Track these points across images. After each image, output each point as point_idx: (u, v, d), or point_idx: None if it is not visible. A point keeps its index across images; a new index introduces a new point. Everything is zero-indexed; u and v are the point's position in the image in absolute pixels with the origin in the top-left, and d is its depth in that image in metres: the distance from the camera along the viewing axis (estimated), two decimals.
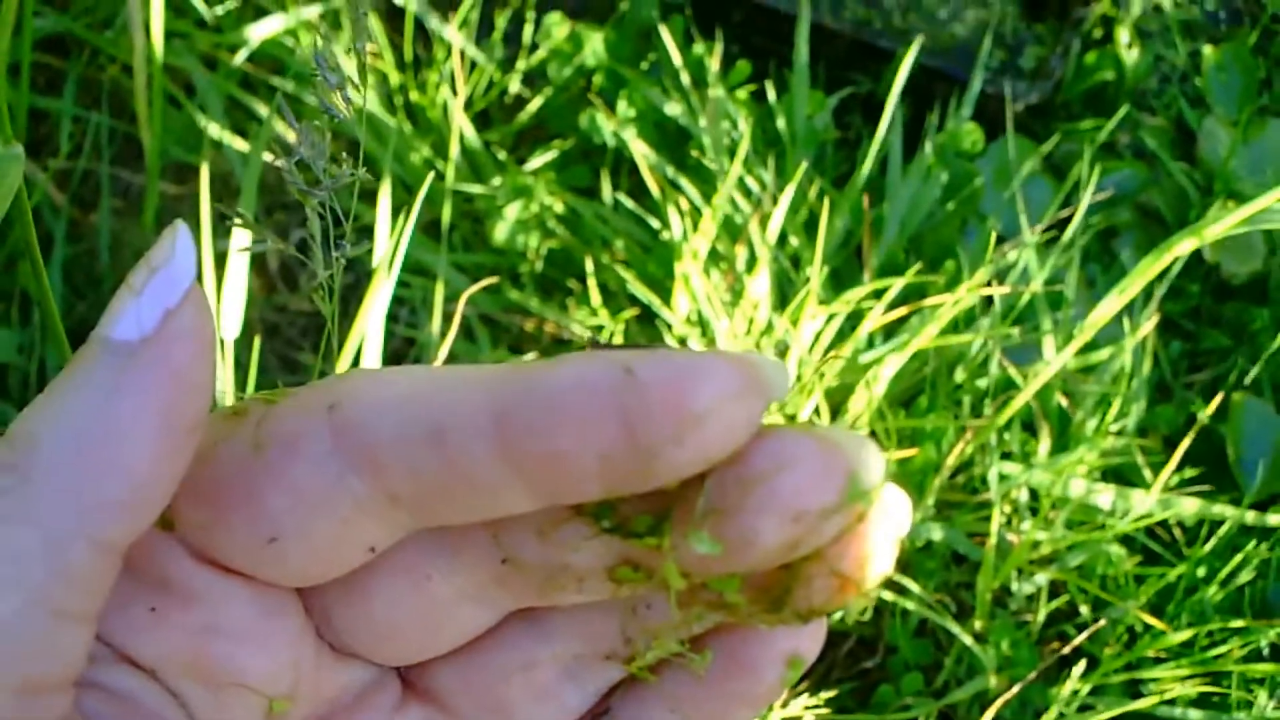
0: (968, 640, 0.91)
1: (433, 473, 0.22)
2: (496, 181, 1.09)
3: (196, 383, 0.22)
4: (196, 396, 0.22)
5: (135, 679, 0.24)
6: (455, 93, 1.11)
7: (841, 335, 0.97)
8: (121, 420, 0.21)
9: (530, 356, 1.05)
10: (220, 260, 0.92)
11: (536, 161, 1.12)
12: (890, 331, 1.01)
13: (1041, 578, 0.95)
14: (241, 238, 0.91)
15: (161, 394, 0.21)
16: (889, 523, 0.23)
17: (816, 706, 0.86)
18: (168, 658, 0.24)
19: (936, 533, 0.94)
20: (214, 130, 1.06)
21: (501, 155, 1.13)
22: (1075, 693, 0.90)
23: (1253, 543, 0.96)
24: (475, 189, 1.09)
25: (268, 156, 1.05)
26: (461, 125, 1.10)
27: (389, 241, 0.79)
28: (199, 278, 0.22)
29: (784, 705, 0.84)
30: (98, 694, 0.24)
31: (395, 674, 0.27)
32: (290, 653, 0.25)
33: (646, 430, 0.20)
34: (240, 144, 1.07)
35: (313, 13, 1.11)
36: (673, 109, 1.10)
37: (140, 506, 0.21)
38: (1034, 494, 0.99)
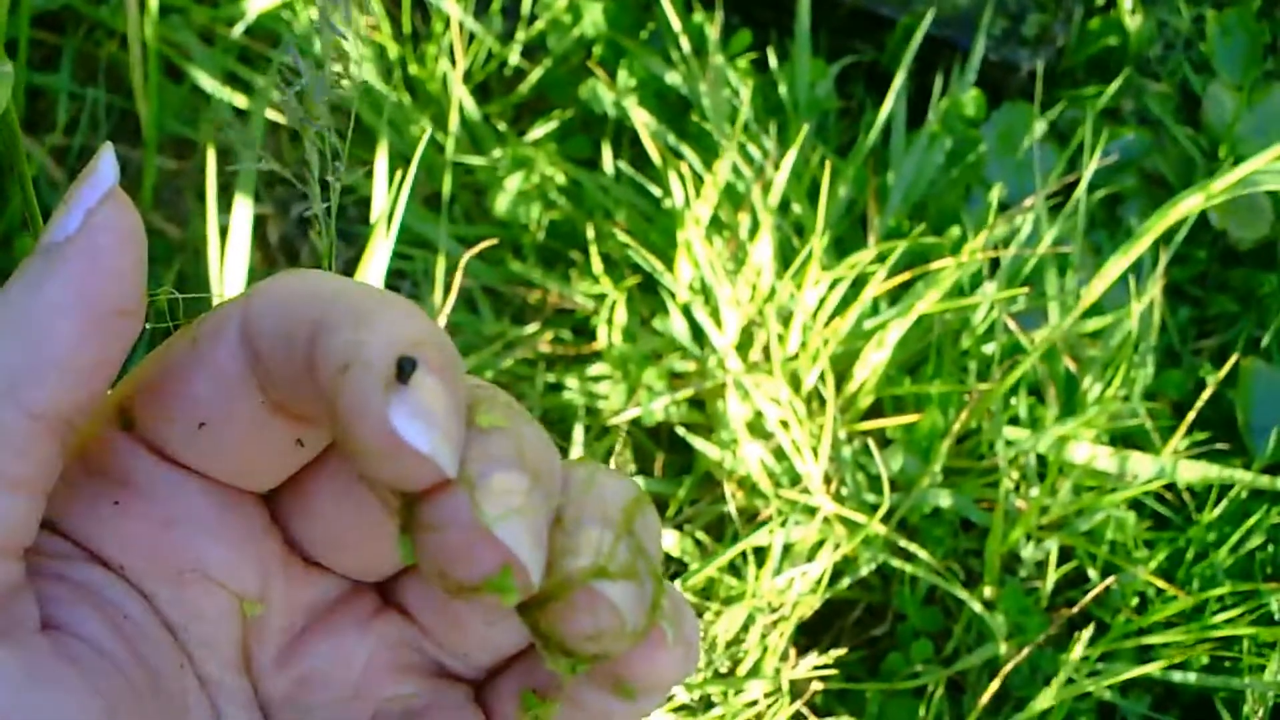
0: (977, 607, 0.90)
1: (286, 375, 0.23)
2: (497, 153, 1.09)
3: (117, 268, 0.23)
4: (120, 280, 0.23)
5: (101, 574, 0.25)
6: (454, 65, 1.10)
7: (846, 302, 0.97)
8: (46, 303, 0.23)
9: (531, 328, 1.04)
10: (224, 233, 0.92)
11: (537, 133, 1.11)
12: (895, 297, 1.00)
13: (1050, 543, 0.95)
14: (244, 205, 0.91)
15: (83, 278, 0.23)
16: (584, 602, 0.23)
17: (824, 668, 0.85)
18: (131, 551, 0.25)
19: (944, 499, 0.93)
20: (211, 88, 1.05)
21: (502, 127, 1.12)
22: (1085, 658, 0.90)
23: (1264, 508, 0.95)
24: (476, 161, 1.09)
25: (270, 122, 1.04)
26: (461, 97, 1.09)
27: (386, 199, 0.78)
28: (119, 184, 0.24)
29: (793, 668, 0.84)
30: (63, 585, 0.25)
31: (371, 589, 0.28)
32: (253, 550, 0.26)
33: (347, 431, 0.22)
34: (241, 101, 1.06)
35: None
36: (673, 78, 1.09)
37: (68, 376, 0.23)
38: (1042, 459, 0.98)
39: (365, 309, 0.22)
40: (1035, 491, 0.95)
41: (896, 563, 0.92)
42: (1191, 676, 0.91)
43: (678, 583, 0.89)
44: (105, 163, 0.24)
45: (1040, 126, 1.11)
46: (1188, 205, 0.74)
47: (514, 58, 1.17)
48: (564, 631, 0.23)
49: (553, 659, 0.24)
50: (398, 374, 0.21)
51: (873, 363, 0.94)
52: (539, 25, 1.16)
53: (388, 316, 0.22)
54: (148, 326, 0.26)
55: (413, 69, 1.13)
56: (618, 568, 0.23)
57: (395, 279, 1.08)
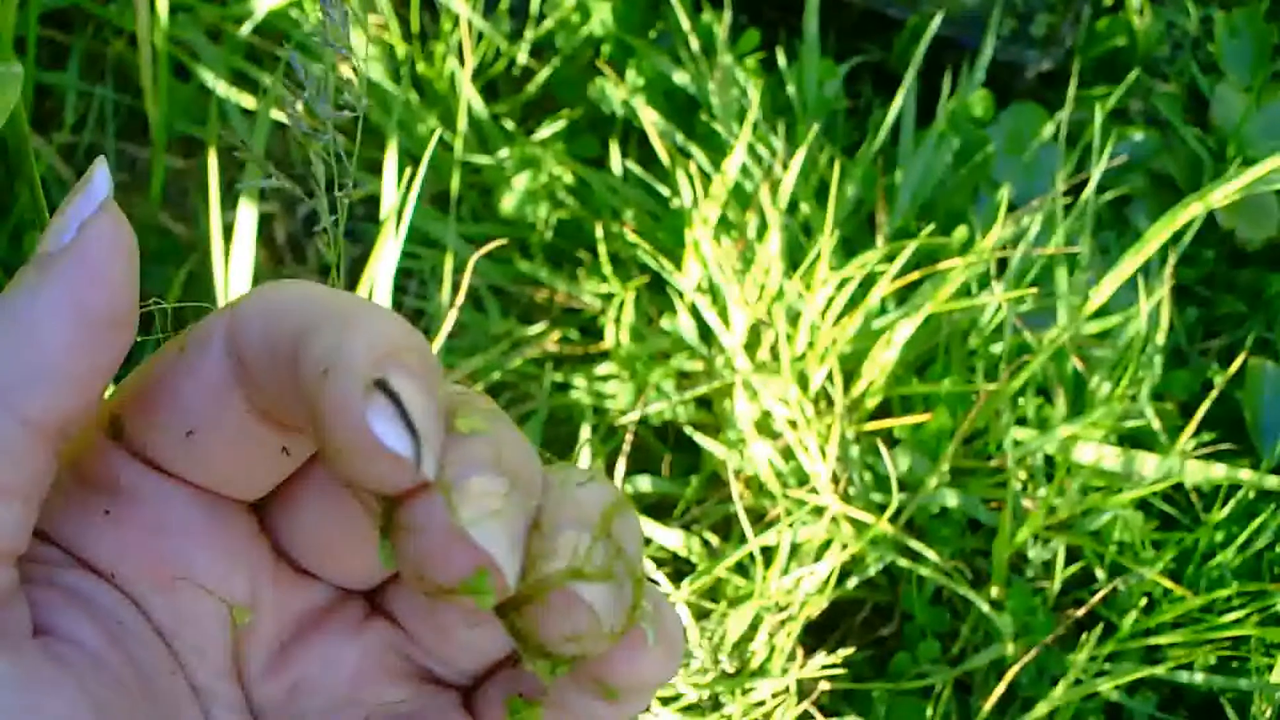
0: (984, 607, 0.90)
1: (270, 382, 0.24)
2: (504, 152, 1.09)
3: (110, 278, 0.24)
4: (112, 290, 0.24)
5: (92, 581, 0.26)
6: (462, 64, 1.10)
7: (854, 301, 0.97)
8: (39, 311, 0.23)
9: (538, 327, 1.04)
10: (228, 231, 0.92)
11: (545, 132, 1.11)
12: (903, 297, 1.00)
13: (1057, 544, 0.95)
14: (249, 206, 0.91)
15: (75, 287, 0.23)
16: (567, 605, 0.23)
17: (832, 667, 0.85)
18: (122, 558, 0.26)
19: (951, 499, 0.93)
20: (220, 90, 1.05)
21: (509, 126, 1.12)
22: (1092, 658, 0.90)
23: (1271, 508, 0.95)
24: (483, 160, 1.09)
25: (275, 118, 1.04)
26: (469, 96, 1.09)
27: (394, 198, 0.78)
28: (113, 197, 0.25)
29: (800, 668, 0.84)
30: (55, 591, 0.25)
31: (359, 597, 0.29)
32: (243, 558, 0.27)
33: (326, 434, 0.22)
34: (249, 102, 1.06)
35: None
36: (682, 77, 1.09)
37: (61, 385, 0.23)
38: (1049, 460, 0.98)
39: (347, 316, 0.22)
40: (1043, 492, 0.95)
41: (904, 562, 0.92)
42: (1199, 677, 0.91)
43: (685, 582, 0.89)
44: (99, 175, 0.24)
45: (1049, 127, 1.11)
46: (1195, 209, 0.74)
47: (522, 57, 1.17)
48: (542, 633, 0.23)
49: (532, 661, 0.24)
50: (379, 383, 0.21)
51: (881, 362, 0.94)
52: (547, 24, 1.16)
53: (369, 322, 0.22)
54: (138, 339, 0.26)
55: (421, 68, 1.13)
56: (594, 569, 0.23)
57: (402, 278, 1.08)
